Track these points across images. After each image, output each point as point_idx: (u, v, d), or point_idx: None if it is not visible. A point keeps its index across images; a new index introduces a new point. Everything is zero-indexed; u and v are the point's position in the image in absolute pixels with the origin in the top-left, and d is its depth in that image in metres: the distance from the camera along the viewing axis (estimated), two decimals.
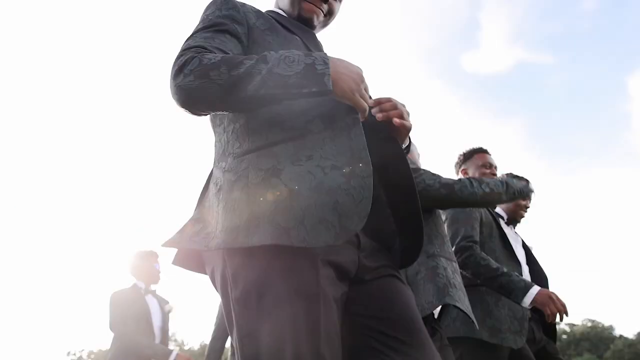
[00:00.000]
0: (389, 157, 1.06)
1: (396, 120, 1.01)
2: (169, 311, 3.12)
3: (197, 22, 1.11)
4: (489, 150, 2.65)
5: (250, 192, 0.91)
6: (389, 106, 1.03)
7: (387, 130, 1.05)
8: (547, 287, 2.47)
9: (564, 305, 2.06)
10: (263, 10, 1.21)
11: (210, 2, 1.13)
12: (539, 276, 2.48)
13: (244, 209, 0.90)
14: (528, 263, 2.51)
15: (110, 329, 2.98)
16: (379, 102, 1.04)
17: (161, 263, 3.25)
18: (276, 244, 0.85)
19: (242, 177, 0.93)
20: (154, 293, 3.19)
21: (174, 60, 0.98)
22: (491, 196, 1.93)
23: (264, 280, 0.89)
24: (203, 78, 0.91)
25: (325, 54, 0.95)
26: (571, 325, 46.35)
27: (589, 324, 45.83)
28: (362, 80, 0.97)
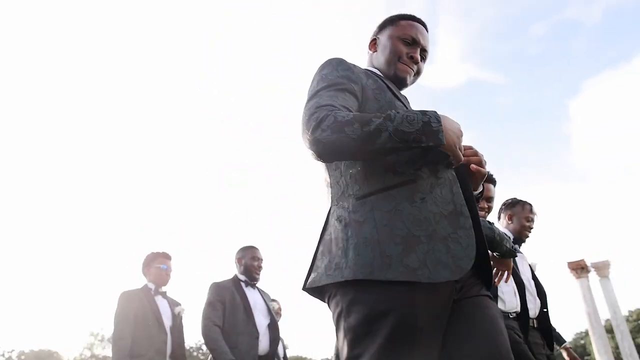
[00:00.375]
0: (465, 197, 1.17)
1: (473, 166, 1.18)
2: (179, 313, 3.12)
3: (314, 79, 1.24)
4: (493, 177, 2.73)
5: (380, 233, 1.05)
6: (470, 152, 1.20)
7: (464, 175, 1.19)
8: (547, 302, 2.70)
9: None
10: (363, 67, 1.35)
11: (326, 62, 1.27)
12: (539, 291, 2.71)
13: (376, 248, 1.04)
14: (532, 278, 2.72)
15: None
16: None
17: (170, 265, 3.24)
18: (406, 280, 0.99)
19: (370, 219, 1.08)
20: (164, 294, 3.20)
21: (307, 116, 1.11)
22: (502, 241, 2.21)
23: (372, 317, 1.01)
24: (340, 133, 1.04)
25: (436, 112, 1.10)
26: None
27: None
28: (462, 135, 1.13)
